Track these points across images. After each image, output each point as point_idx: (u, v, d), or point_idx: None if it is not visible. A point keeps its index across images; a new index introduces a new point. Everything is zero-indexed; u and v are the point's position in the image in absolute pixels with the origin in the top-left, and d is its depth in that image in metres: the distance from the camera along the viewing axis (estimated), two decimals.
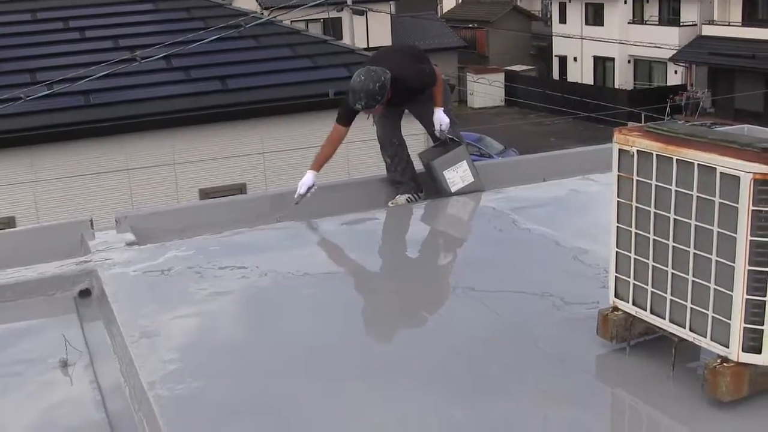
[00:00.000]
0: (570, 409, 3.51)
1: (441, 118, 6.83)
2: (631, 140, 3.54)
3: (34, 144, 13.48)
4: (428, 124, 6.96)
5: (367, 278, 5.42)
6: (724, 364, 3.28)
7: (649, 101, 38.92)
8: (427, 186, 6.99)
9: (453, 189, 6.76)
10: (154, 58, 13.24)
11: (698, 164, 3.25)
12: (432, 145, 7.20)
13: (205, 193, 14.11)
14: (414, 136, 7.73)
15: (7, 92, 12.98)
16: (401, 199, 6.92)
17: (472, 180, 6.79)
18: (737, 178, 3.10)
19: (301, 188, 6.56)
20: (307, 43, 16.44)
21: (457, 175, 6.76)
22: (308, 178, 6.62)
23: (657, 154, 3.42)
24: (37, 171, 13.59)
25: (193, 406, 3.66)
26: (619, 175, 3.63)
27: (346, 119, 6.67)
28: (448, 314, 4.78)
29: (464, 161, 6.80)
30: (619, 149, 3.61)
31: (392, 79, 6.43)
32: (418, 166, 7.15)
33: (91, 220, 6.19)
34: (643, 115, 34.26)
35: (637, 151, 3.51)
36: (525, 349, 4.08)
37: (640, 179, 3.52)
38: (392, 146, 7.01)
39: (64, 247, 5.84)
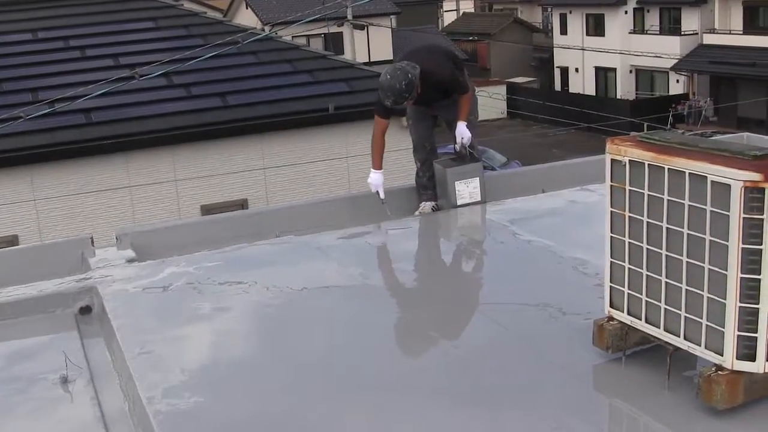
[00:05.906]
0: (569, 418, 3.53)
1: (463, 132, 6.85)
2: (623, 150, 3.56)
3: (35, 162, 13.52)
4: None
5: (367, 292, 5.41)
6: (719, 372, 3.29)
7: (652, 111, 38.89)
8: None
9: (459, 202, 6.77)
10: (153, 75, 13.28)
11: (689, 173, 3.27)
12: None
13: (207, 209, 14.13)
14: None
15: (8, 111, 13.02)
16: (427, 207, 6.96)
17: (479, 199, 6.80)
18: (728, 186, 3.12)
19: (379, 190, 6.88)
20: (307, 59, 16.46)
21: (467, 189, 6.77)
22: (377, 178, 6.88)
23: (649, 164, 3.44)
24: (38, 189, 13.63)
25: (193, 423, 3.66)
26: (612, 185, 3.65)
27: (384, 112, 6.85)
28: (452, 326, 4.79)
29: (477, 179, 6.82)
30: (612, 159, 3.63)
31: (422, 73, 6.51)
32: None
33: (92, 238, 6.21)
34: (645, 125, 34.20)
35: (629, 160, 3.53)
36: (527, 360, 4.10)
37: (633, 189, 3.54)
38: (424, 150, 7.09)
39: (64, 265, 5.86)
